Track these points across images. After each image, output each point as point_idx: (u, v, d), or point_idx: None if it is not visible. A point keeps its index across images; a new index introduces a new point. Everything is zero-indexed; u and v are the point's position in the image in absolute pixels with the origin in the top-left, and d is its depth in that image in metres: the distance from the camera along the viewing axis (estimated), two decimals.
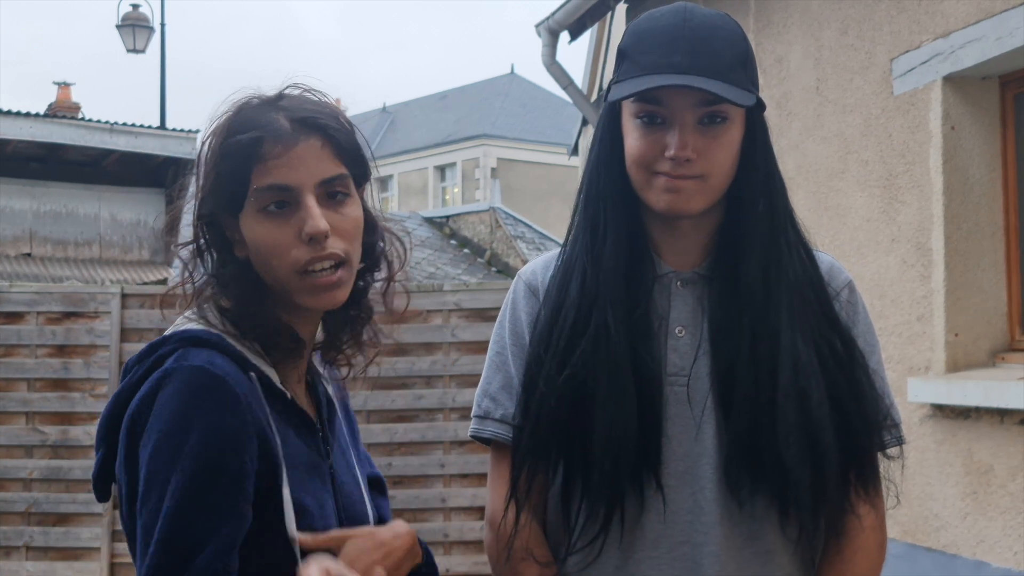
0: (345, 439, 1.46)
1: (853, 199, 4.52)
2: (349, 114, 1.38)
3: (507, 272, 15.83)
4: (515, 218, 17.46)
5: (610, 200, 1.46)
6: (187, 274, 1.35)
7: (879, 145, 4.36)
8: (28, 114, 10.70)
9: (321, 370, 1.47)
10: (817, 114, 4.73)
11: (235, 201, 1.28)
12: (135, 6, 16.36)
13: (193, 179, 1.36)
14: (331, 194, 1.30)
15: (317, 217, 1.26)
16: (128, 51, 16.31)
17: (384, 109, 39.24)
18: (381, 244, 1.43)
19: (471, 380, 6.05)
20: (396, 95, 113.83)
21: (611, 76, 1.49)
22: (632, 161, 1.43)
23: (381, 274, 1.44)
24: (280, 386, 1.32)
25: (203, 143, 1.33)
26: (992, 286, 4.05)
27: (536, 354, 1.46)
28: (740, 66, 1.40)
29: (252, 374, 1.27)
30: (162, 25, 16.35)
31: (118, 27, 16.23)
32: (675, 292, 1.48)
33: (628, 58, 1.42)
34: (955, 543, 3.94)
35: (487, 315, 6.05)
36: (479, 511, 6.09)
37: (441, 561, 6.13)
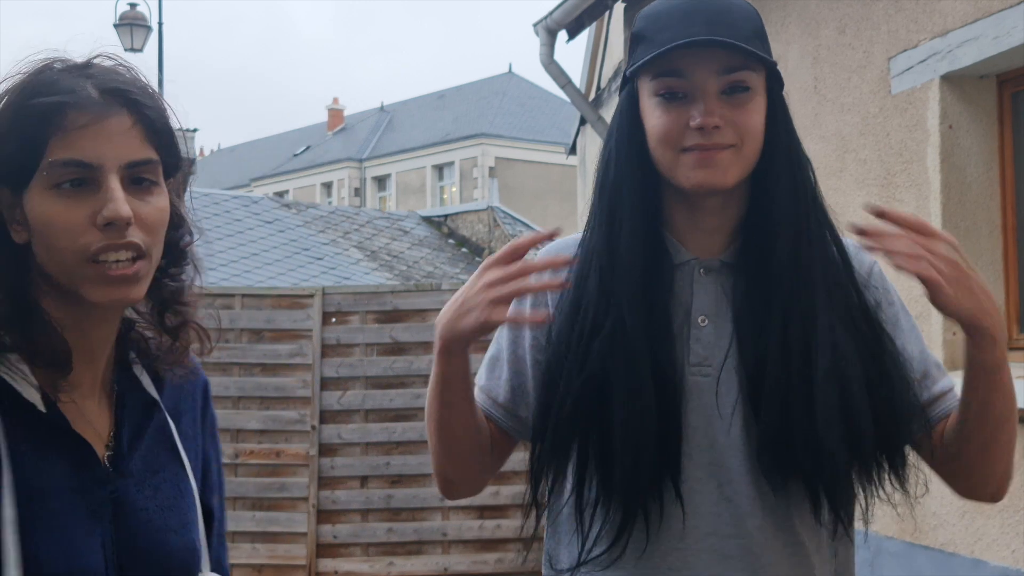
0: (165, 460, 1.25)
1: (851, 198, 4.52)
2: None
3: None
4: (513, 217, 17.45)
5: (627, 188, 1.42)
6: None
7: (877, 144, 4.36)
8: None
9: (144, 377, 1.26)
10: (815, 113, 4.73)
11: (23, 173, 1.11)
12: (133, 5, 16.37)
13: None
14: (137, 179, 1.14)
15: (120, 200, 1.10)
16: (126, 50, 16.20)
17: (382, 108, 39.22)
18: (188, 239, 1.26)
19: None
20: (394, 94, 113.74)
21: (627, 64, 1.45)
22: (657, 141, 1.39)
23: (183, 274, 1.26)
24: (31, 398, 1.13)
25: None
26: (990, 285, 4.03)
27: (557, 354, 1.43)
28: (756, 38, 1.38)
29: None
30: (159, 24, 16.37)
31: (116, 26, 16.23)
32: (697, 280, 1.44)
33: (644, 39, 1.40)
34: (953, 541, 3.94)
35: None
36: (478, 510, 6.08)
37: (440, 560, 6.15)
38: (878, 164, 4.35)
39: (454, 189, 32.09)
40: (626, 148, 1.43)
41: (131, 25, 16.18)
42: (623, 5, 6.34)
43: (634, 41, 1.42)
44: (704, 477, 1.39)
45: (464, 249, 16.85)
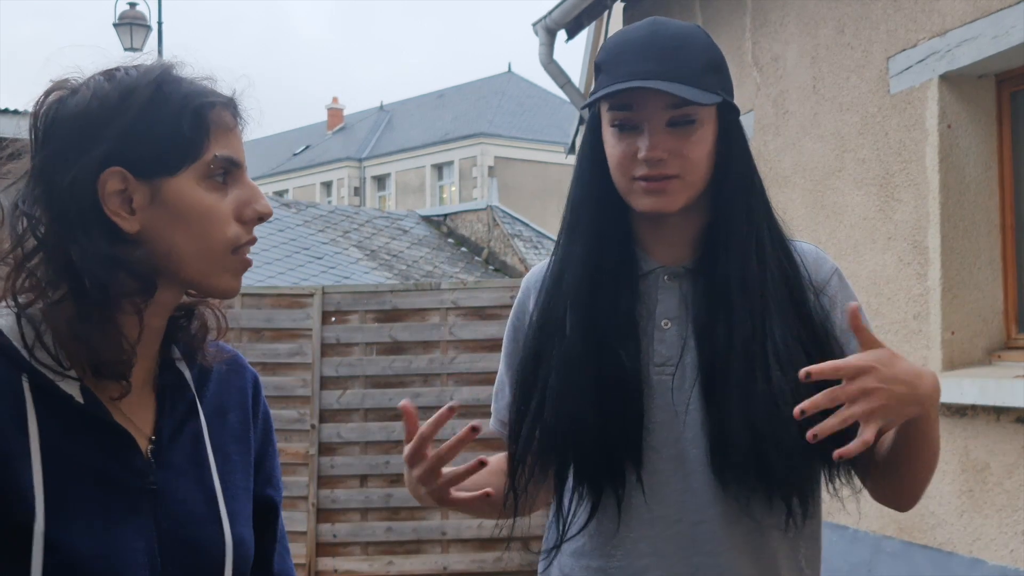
0: (206, 454, 1.27)
1: (850, 197, 4.52)
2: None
3: (504, 271, 15.82)
4: (512, 216, 17.45)
5: (587, 206, 1.56)
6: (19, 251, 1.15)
7: (876, 143, 4.37)
8: (26, 112, 10.69)
9: (189, 372, 1.30)
10: (814, 112, 4.74)
11: (179, 161, 1.15)
12: (132, 5, 16.37)
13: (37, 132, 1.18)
14: None
15: (266, 199, 1.22)
16: (125, 50, 16.28)
17: (381, 108, 39.20)
18: None
19: (469, 378, 6.05)
20: (393, 94, 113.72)
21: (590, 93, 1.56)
22: (613, 168, 1.52)
23: None
24: (70, 390, 1.14)
25: (104, 89, 1.17)
26: (988, 284, 4.05)
27: (533, 354, 1.57)
28: (710, 71, 1.49)
29: (24, 377, 1.12)
30: (159, 24, 16.36)
31: (115, 26, 16.23)
32: (662, 286, 1.56)
33: (604, 71, 1.51)
34: (951, 541, 3.95)
35: (484, 313, 6.06)
36: None
37: (439, 559, 6.15)
38: (877, 164, 4.36)
39: (453, 188, 32.08)
40: (589, 170, 1.57)
41: (131, 24, 16.18)
42: (622, 5, 6.35)
43: (597, 70, 1.53)
44: (670, 469, 1.50)
45: (463, 248, 16.85)
